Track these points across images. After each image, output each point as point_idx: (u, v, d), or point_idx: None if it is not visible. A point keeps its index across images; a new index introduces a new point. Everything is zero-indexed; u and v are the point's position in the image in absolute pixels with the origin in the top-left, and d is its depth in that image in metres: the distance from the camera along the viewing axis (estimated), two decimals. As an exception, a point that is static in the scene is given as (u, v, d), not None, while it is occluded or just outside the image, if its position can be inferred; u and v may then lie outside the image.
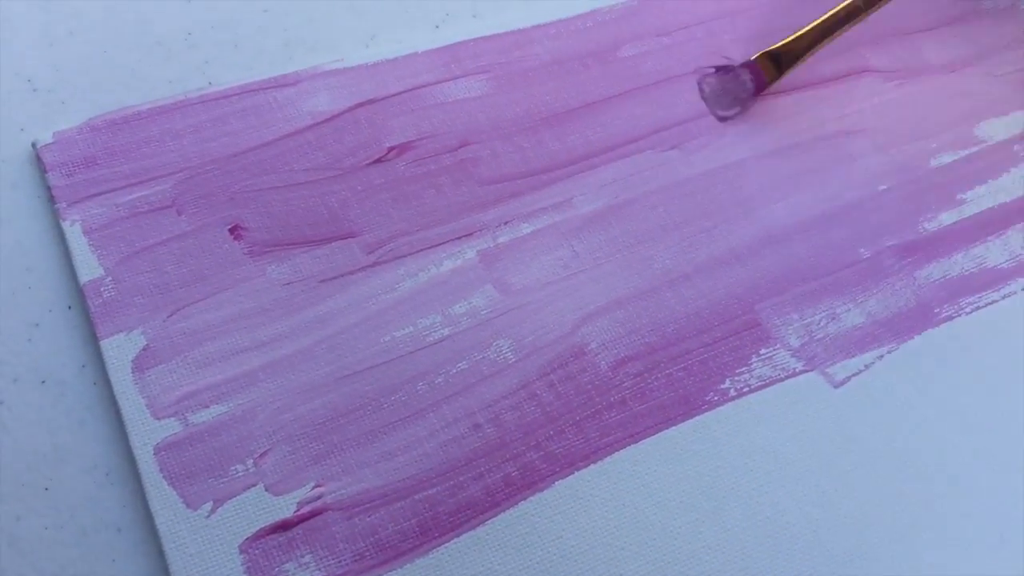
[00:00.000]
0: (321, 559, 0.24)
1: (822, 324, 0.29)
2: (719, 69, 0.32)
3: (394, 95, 0.31)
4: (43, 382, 0.26)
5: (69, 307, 0.28)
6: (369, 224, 0.29)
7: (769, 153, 0.32)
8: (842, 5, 0.31)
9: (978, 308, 0.30)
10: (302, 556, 0.24)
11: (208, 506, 0.25)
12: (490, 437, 0.26)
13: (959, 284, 0.30)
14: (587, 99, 0.32)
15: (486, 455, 0.26)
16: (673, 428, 0.27)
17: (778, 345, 0.29)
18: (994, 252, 0.31)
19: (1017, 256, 0.31)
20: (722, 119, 0.32)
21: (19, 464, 0.25)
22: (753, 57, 0.32)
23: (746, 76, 0.33)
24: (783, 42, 0.32)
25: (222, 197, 0.29)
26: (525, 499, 0.26)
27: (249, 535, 0.25)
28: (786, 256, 0.30)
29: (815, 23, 0.32)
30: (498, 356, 0.28)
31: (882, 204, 0.32)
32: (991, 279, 0.31)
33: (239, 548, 0.24)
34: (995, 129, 0.34)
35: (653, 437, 0.27)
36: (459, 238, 0.29)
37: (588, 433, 0.27)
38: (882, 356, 0.29)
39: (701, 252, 0.30)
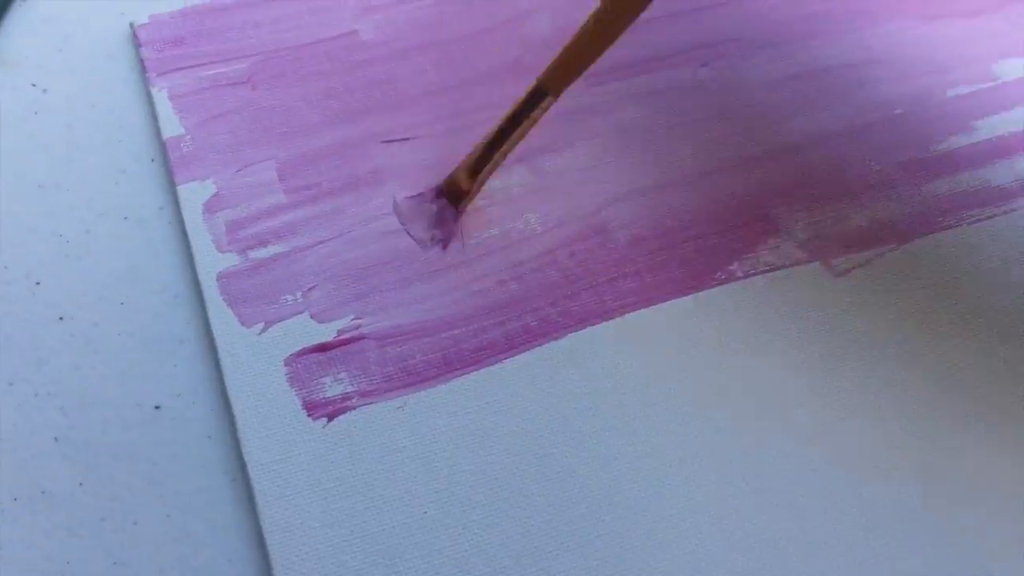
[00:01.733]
0: (354, 377, 0.28)
1: (829, 223, 0.32)
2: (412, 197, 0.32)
3: None
4: (125, 218, 0.30)
5: (152, 160, 0.31)
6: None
7: (794, 75, 0.35)
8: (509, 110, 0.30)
9: (979, 221, 0.32)
10: (338, 373, 0.28)
11: (260, 326, 0.28)
12: (513, 292, 0.29)
13: (963, 198, 0.33)
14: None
15: (508, 306, 0.29)
16: (682, 298, 0.30)
17: (786, 237, 0.31)
18: (1000, 173, 0.33)
19: (1022, 178, 0.33)
20: (424, 244, 0.31)
21: (100, 281, 0.29)
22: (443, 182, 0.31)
23: (437, 202, 0.31)
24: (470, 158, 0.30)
25: (292, 78, 0.33)
26: (540, 345, 0.29)
27: (293, 352, 0.28)
28: (801, 163, 0.33)
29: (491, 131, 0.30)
30: (526, 227, 0.31)
31: (896, 126, 0.34)
32: (995, 197, 0.33)
33: (283, 361, 0.28)
34: (1013, 68, 0.36)
35: (662, 304, 0.30)
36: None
37: (603, 296, 0.30)
38: (883, 254, 0.31)
39: (721, 155, 0.33)
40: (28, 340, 0.28)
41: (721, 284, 0.30)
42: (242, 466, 0.26)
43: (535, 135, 0.31)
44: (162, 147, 0.31)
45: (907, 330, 0.30)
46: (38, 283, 0.29)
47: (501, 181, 0.31)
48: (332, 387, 0.27)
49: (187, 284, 0.29)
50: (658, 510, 0.26)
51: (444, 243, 0.29)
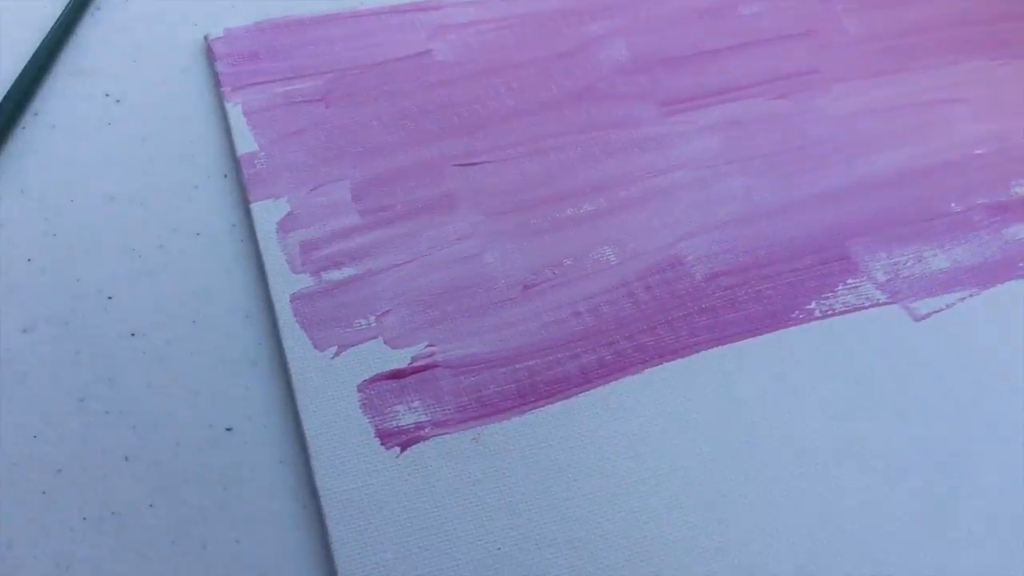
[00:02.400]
0: (428, 406, 0.27)
1: (908, 264, 0.31)
2: None
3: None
4: (198, 234, 0.30)
5: (225, 176, 0.31)
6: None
7: (872, 111, 0.34)
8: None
9: (1063, 268, 0.31)
10: (411, 401, 0.27)
11: (333, 350, 0.28)
12: (588, 324, 0.29)
13: (1046, 244, 0.32)
14: (701, 48, 0.35)
15: (583, 339, 0.29)
16: (759, 337, 0.29)
17: (865, 278, 0.31)
18: (1083, 219, 0.32)
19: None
20: None
21: (172, 298, 0.29)
22: None
23: None
24: None
25: (367, 96, 0.33)
26: (616, 379, 0.28)
27: (367, 378, 0.27)
28: (879, 201, 0.32)
29: None
30: (601, 258, 0.30)
31: (976, 166, 0.34)
32: (1078, 243, 0.32)
33: (357, 387, 0.27)
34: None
35: (739, 343, 0.29)
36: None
37: (678, 331, 0.29)
38: (964, 299, 0.30)
39: (799, 190, 0.32)
40: (100, 356, 0.28)
41: (798, 323, 0.30)
42: (313, 492, 0.26)
43: (610, 164, 0.31)
44: (235, 163, 0.31)
45: (988, 377, 0.29)
46: (110, 298, 0.29)
47: (574, 209, 0.31)
48: (406, 416, 0.27)
49: (259, 304, 0.29)
50: (736, 552, 0.25)
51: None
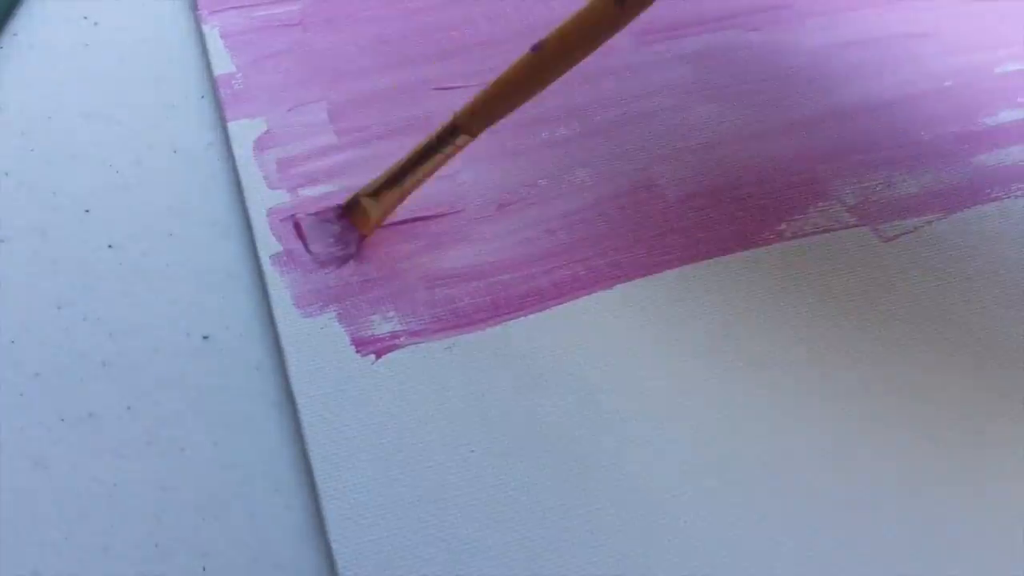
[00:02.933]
0: (403, 316, 0.28)
1: (878, 189, 0.31)
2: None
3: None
4: (175, 151, 0.30)
5: (202, 97, 0.31)
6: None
7: (844, 45, 0.35)
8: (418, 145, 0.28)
9: (1026, 195, 0.32)
10: (387, 311, 0.28)
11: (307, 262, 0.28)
12: (562, 241, 0.29)
13: (1012, 172, 0.32)
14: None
15: (557, 255, 0.29)
16: (730, 255, 0.30)
17: (834, 201, 0.31)
18: (1048, 149, 0.33)
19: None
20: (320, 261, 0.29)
21: (149, 212, 0.29)
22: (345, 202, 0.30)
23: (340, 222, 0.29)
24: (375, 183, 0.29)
25: (344, 22, 0.33)
26: (588, 294, 0.29)
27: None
28: (850, 129, 0.33)
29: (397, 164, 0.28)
30: (575, 179, 0.31)
31: (945, 98, 0.34)
32: (1043, 171, 0.33)
33: (333, 298, 0.27)
34: (1062, 47, 0.36)
35: (710, 260, 0.30)
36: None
37: (652, 250, 0.30)
38: (931, 222, 0.31)
39: (771, 119, 0.33)
40: (77, 266, 0.28)
41: (769, 244, 0.30)
42: (289, 397, 0.26)
43: (585, 90, 0.31)
44: (212, 84, 0.31)
45: (952, 298, 0.30)
46: (87, 211, 0.29)
47: (549, 133, 0.31)
48: (380, 325, 0.27)
49: (236, 219, 0.29)
50: (705, 464, 0.26)
51: (340, 263, 0.29)
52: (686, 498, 0.25)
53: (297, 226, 0.29)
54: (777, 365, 0.28)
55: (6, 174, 0.29)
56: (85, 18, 0.33)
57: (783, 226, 0.30)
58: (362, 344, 0.27)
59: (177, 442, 0.25)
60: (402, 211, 0.28)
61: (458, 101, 0.30)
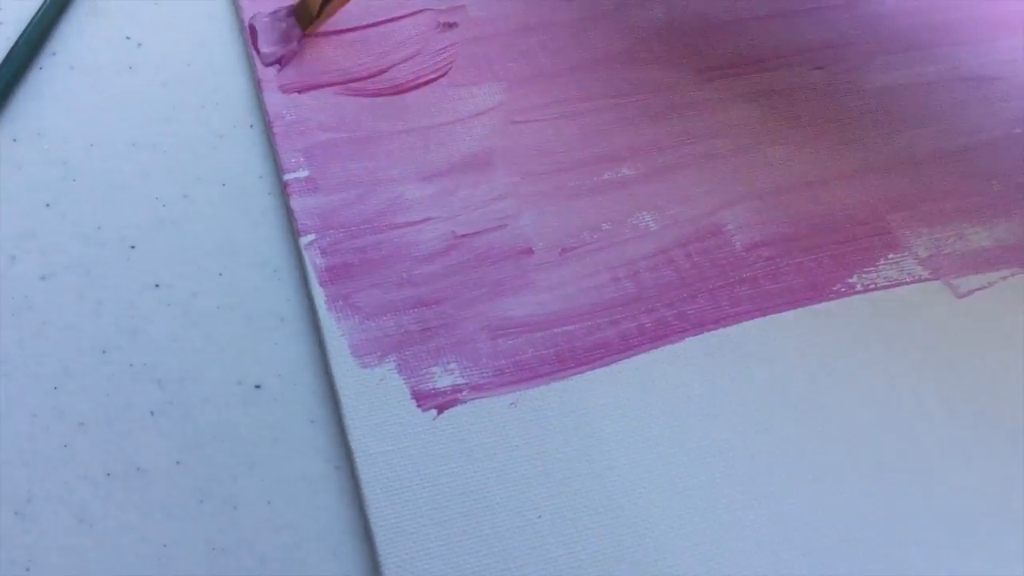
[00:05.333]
0: (465, 369, 0.26)
1: (950, 241, 0.30)
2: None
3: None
4: (223, 185, 0.29)
5: (251, 126, 0.30)
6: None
7: (914, 85, 0.34)
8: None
9: (1104, 249, 0.31)
10: (448, 363, 0.26)
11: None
12: (628, 290, 0.28)
13: (1087, 225, 0.31)
14: (740, 15, 0.34)
15: (623, 305, 0.28)
16: (800, 308, 0.28)
17: (906, 253, 0.30)
18: (1123, 202, 0.32)
19: None
20: (268, 61, 0.31)
21: (198, 250, 0.28)
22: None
23: (287, 20, 0.31)
24: None
25: (395, 56, 0.31)
26: (656, 347, 0.27)
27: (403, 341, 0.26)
28: (920, 177, 0.32)
29: None
30: (640, 223, 0.29)
31: (1017, 145, 0.33)
32: (1118, 225, 0.31)
33: (393, 347, 0.26)
34: None
35: (780, 314, 0.28)
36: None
37: (719, 301, 0.28)
38: (1006, 277, 0.30)
39: (838, 162, 0.32)
40: (122, 307, 0.27)
41: (840, 297, 0.29)
42: (347, 454, 0.25)
43: (648, 129, 0.30)
44: (263, 113, 0.30)
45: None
46: (133, 247, 0.27)
47: (613, 173, 0.30)
48: (442, 378, 0.26)
49: (287, 259, 0.28)
50: (781, 525, 0.25)
51: (282, 63, 0.29)
52: (764, 562, 0.24)
53: (251, 29, 0.30)
54: (848, 423, 0.27)
55: (47, 205, 0.28)
56: (128, 38, 0.31)
57: (854, 279, 0.29)
58: (423, 398, 0.26)
59: (230, 500, 0.24)
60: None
61: (516, 137, 0.29)
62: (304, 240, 0.27)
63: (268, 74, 0.30)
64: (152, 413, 0.25)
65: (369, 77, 0.31)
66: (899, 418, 0.27)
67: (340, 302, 0.27)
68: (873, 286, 0.29)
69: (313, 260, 0.27)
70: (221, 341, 0.26)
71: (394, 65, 0.31)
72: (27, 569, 0.23)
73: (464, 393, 0.26)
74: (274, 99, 0.30)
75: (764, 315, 0.28)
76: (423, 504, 0.24)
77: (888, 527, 0.25)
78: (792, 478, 0.26)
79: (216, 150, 0.29)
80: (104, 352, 0.26)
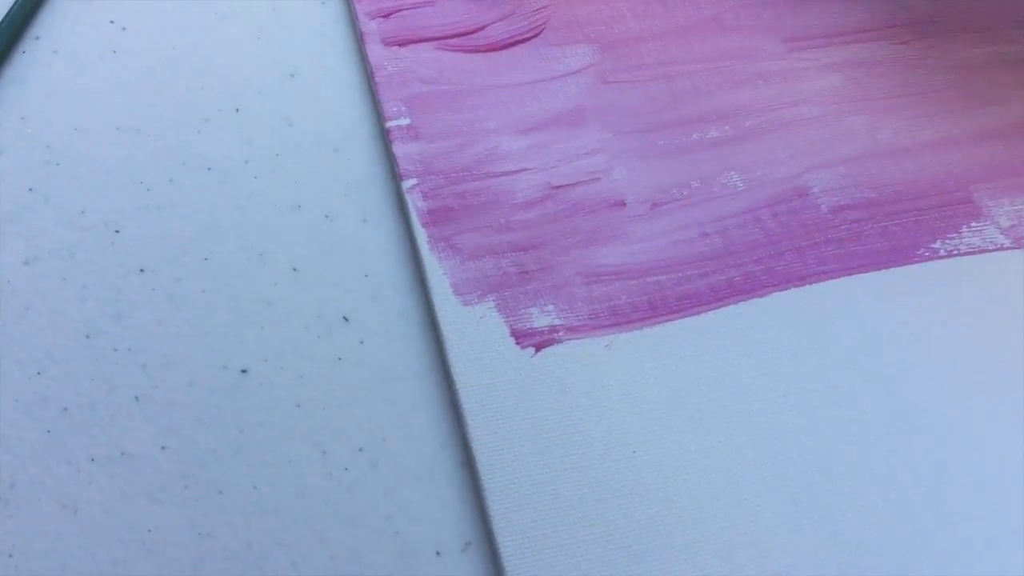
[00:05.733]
0: (561, 311, 0.27)
1: (1032, 212, 0.31)
2: None
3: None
4: (208, 169, 0.29)
5: (237, 109, 0.30)
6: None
7: (990, 64, 0.34)
8: None
9: None
10: (545, 305, 0.27)
11: (464, 254, 0.28)
12: (716, 245, 0.29)
13: None
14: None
15: (712, 259, 0.29)
16: (884, 270, 0.29)
17: (988, 222, 0.31)
18: None
19: None
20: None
21: (183, 235, 0.28)
22: None
23: None
24: None
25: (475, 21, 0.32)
26: (744, 300, 0.28)
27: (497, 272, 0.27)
28: (1002, 150, 0.32)
29: None
30: (728, 183, 0.30)
31: (1098, 123, 0.33)
32: None
33: (490, 288, 0.27)
34: None
35: (865, 274, 0.29)
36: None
37: (806, 259, 0.29)
38: (1086, 249, 0.30)
39: (922, 133, 0.32)
40: (107, 291, 0.26)
41: (924, 261, 0.29)
42: (331, 438, 0.25)
43: (735, 94, 0.31)
44: (365, 64, 0.31)
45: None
46: (117, 231, 0.28)
47: (701, 134, 0.31)
48: (539, 318, 0.27)
49: (273, 243, 0.28)
50: (864, 472, 0.25)
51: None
52: (850, 507, 0.25)
53: None
54: (932, 382, 0.28)
55: (30, 190, 0.28)
56: (112, 22, 0.31)
57: (937, 244, 0.30)
58: (521, 336, 0.26)
59: (215, 485, 0.25)
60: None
61: (608, 96, 0.30)
62: (406, 184, 0.28)
63: (371, 27, 0.31)
64: (137, 398, 0.25)
65: (466, 34, 0.32)
66: (978, 381, 0.28)
67: (442, 243, 0.28)
68: (956, 252, 0.30)
69: (415, 203, 0.28)
70: (206, 326, 0.26)
71: (490, 24, 0.32)
72: (10, 555, 0.23)
73: (560, 333, 0.27)
74: (376, 51, 0.31)
75: (849, 275, 0.29)
76: (522, 435, 0.25)
77: (972, 483, 0.26)
78: (878, 433, 0.26)
79: (201, 134, 0.30)
80: (88, 337, 0.26)
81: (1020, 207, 0.31)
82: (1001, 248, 0.30)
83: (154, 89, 0.30)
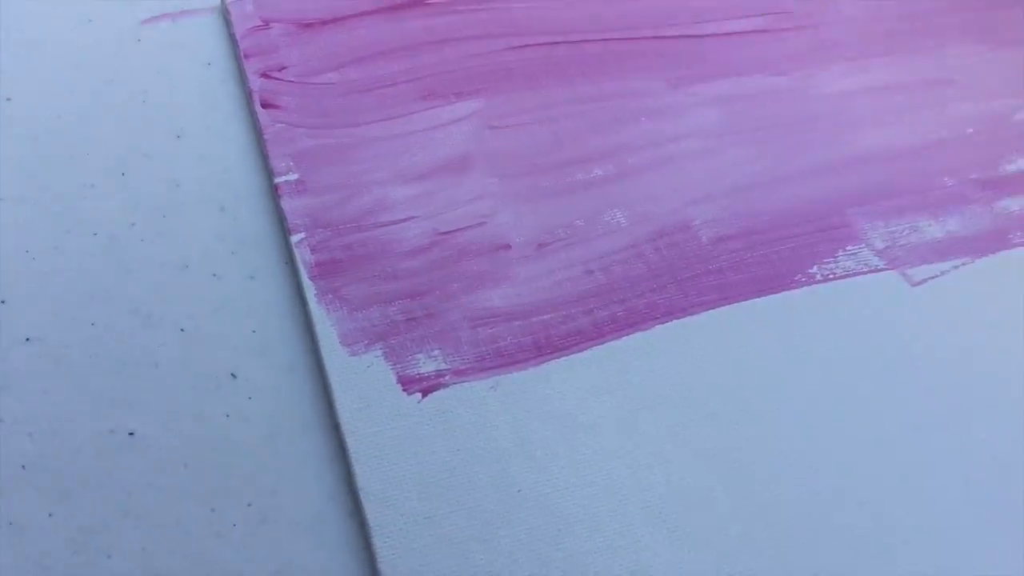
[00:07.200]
0: (448, 355, 0.28)
1: (905, 233, 0.32)
2: None
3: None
4: (95, 234, 0.29)
5: (123, 174, 0.31)
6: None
7: (867, 90, 0.36)
8: None
9: (1049, 241, 0.33)
10: (432, 350, 0.28)
11: (351, 305, 0.28)
12: (600, 282, 0.30)
13: (1033, 218, 0.33)
14: (707, 31, 0.36)
15: (596, 295, 0.30)
16: (763, 298, 0.30)
17: (863, 245, 0.32)
18: (1068, 196, 0.34)
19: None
20: None
21: (70, 301, 0.28)
22: None
23: None
24: None
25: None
26: (628, 335, 0.29)
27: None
28: (876, 175, 0.34)
29: None
30: (612, 220, 0.31)
31: (967, 144, 0.35)
32: (1063, 218, 0.33)
33: (378, 336, 0.28)
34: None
35: (745, 302, 0.30)
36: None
37: (687, 291, 0.30)
38: (957, 267, 0.32)
39: (799, 161, 0.33)
40: None
41: (802, 286, 0.31)
42: (220, 495, 0.26)
43: (618, 132, 0.32)
44: (255, 122, 0.32)
45: (983, 341, 0.30)
46: (3, 302, 0.28)
47: (584, 173, 0.32)
48: (426, 364, 0.28)
49: (160, 307, 0.28)
50: (745, 502, 0.27)
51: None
52: (732, 534, 0.26)
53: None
54: (808, 405, 0.29)
55: None
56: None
57: (814, 269, 0.31)
58: (408, 382, 0.27)
59: (104, 549, 0.25)
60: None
61: (491, 141, 0.31)
62: (294, 238, 0.29)
63: (257, 84, 0.32)
64: (23, 467, 0.25)
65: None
66: (856, 403, 0.29)
67: (329, 295, 0.28)
68: (832, 276, 0.31)
69: (303, 256, 0.29)
70: (93, 390, 0.26)
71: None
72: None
73: (447, 377, 0.27)
74: (264, 112, 0.32)
75: (729, 304, 0.30)
76: (410, 481, 0.26)
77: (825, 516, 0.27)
78: (757, 457, 0.27)
79: (86, 199, 0.30)
80: None
81: (894, 229, 0.32)
82: (876, 270, 0.31)
83: (38, 159, 0.30)
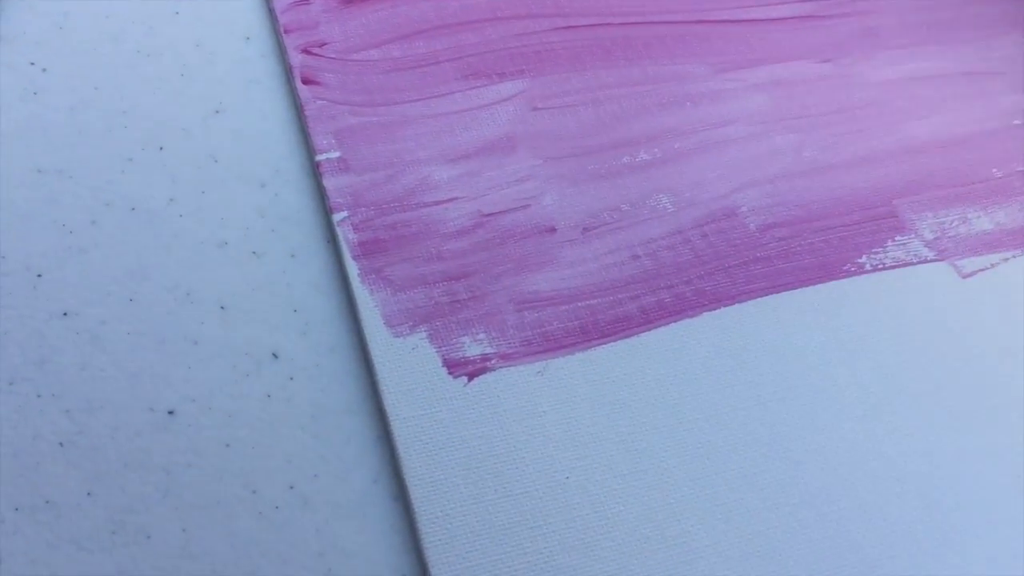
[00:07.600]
0: (493, 339, 0.27)
1: (954, 224, 0.32)
2: None
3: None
4: (132, 209, 0.29)
5: (161, 148, 0.31)
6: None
7: (914, 80, 0.35)
8: None
9: (1100, 234, 0.32)
10: (477, 333, 0.27)
11: (392, 285, 0.28)
12: (647, 267, 0.29)
13: (1084, 211, 0.33)
14: (752, 16, 0.35)
15: (643, 281, 0.29)
16: (812, 287, 0.30)
17: (912, 235, 0.31)
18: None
19: None
20: None
21: (106, 276, 0.28)
22: None
23: None
24: None
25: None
26: (675, 321, 0.28)
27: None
28: (924, 165, 0.33)
29: None
30: (658, 205, 0.31)
31: (1015, 136, 0.34)
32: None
33: (422, 319, 0.27)
34: None
35: (793, 291, 0.30)
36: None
37: (735, 278, 0.29)
38: (1007, 259, 0.31)
39: (846, 150, 0.33)
40: (29, 337, 0.26)
41: (850, 276, 0.30)
42: (261, 477, 0.25)
43: (663, 117, 0.32)
44: (295, 98, 0.31)
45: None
46: (40, 276, 0.27)
47: (630, 157, 0.31)
48: (471, 347, 0.27)
49: (198, 283, 0.28)
50: (794, 489, 0.26)
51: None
52: (779, 522, 0.25)
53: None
54: (857, 395, 0.28)
55: None
56: (32, 64, 0.30)
57: (863, 259, 0.30)
58: (454, 366, 0.27)
59: (143, 530, 0.24)
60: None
61: (537, 122, 0.30)
62: (337, 217, 0.28)
63: (298, 59, 0.31)
64: (61, 444, 0.25)
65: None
66: (906, 395, 0.28)
67: (373, 275, 0.28)
68: (881, 266, 0.30)
69: (346, 236, 0.28)
70: (132, 368, 0.26)
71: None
72: (-67, 611, 0.22)
73: (493, 361, 0.27)
74: (305, 89, 0.31)
75: (777, 292, 0.29)
76: (455, 466, 0.25)
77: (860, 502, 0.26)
78: (805, 447, 0.27)
79: (124, 174, 0.29)
80: (11, 384, 0.25)
81: (943, 219, 0.32)
82: (925, 261, 0.31)
83: (76, 130, 0.29)
